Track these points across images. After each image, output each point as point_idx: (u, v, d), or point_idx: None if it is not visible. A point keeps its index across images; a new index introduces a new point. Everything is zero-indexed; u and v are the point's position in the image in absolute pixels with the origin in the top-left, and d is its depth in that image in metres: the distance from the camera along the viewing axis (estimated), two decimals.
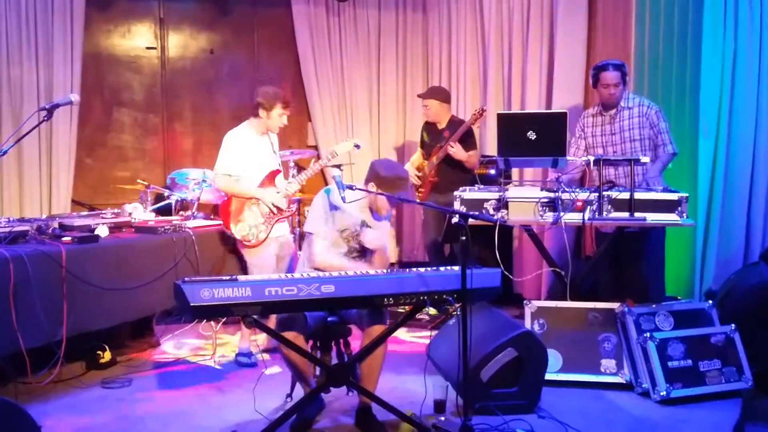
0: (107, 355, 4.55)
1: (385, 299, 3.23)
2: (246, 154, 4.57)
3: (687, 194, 4.11)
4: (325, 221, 3.77)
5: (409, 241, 7.15)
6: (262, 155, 4.66)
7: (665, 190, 4.29)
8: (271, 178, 4.67)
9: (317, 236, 3.76)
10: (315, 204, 3.84)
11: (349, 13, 7.07)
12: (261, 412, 3.60)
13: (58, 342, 3.77)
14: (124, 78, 6.78)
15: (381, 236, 3.89)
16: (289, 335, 3.42)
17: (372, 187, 3.69)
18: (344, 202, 3.57)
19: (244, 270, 4.70)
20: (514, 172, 6.11)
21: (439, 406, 3.75)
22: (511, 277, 4.75)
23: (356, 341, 3.69)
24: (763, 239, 5.05)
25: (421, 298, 3.30)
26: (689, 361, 3.96)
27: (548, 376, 3.93)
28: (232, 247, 4.79)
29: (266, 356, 4.64)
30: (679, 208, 4.08)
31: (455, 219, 3.91)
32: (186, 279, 3.00)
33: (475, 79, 6.74)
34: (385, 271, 3.54)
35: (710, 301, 4.29)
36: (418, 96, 5.97)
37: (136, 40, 6.78)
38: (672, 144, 4.76)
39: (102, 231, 4.21)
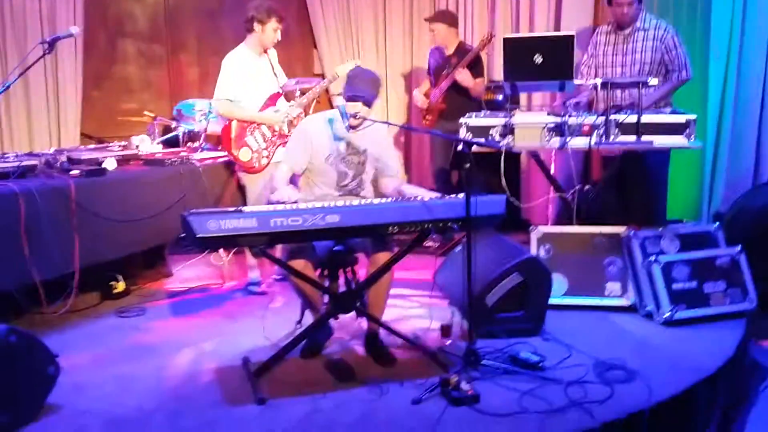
0: (121, 286, 4.65)
1: (390, 228, 3.25)
2: (245, 77, 4.53)
3: (695, 116, 4.07)
4: (303, 150, 3.75)
5: (418, 169, 7.14)
6: (261, 77, 4.62)
7: (673, 112, 4.24)
8: (272, 101, 4.63)
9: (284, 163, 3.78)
10: (299, 130, 3.83)
11: None
12: (271, 338, 3.69)
13: (71, 273, 3.84)
14: (127, 7, 6.68)
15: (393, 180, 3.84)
16: (299, 263, 3.47)
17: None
18: (348, 131, 3.56)
19: (244, 197, 4.72)
20: (522, 98, 6.04)
21: (446, 331, 3.83)
22: (517, 203, 4.76)
23: (364, 269, 3.73)
24: None
25: (426, 226, 3.32)
26: (694, 283, 3.99)
27: (553, 300, 3.98)
28: (233, 173, 4.78)
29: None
30: (687, 131, 4.04)
31: (460, 146, 3.89)
32: (193, 211, 3.03)
33: (482, 0, 6.60)
34: (390, 199, 3.54)
35: (717, 224, 4.29)
36: (425, 20, 5.86)
37: None
38: (688, 69, 4.64)
39: (110, 164, 4.24)
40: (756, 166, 5.08)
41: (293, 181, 3.89)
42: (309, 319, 3.77)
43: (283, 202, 3.31)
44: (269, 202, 3.36)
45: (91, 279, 4.35)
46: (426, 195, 3.50)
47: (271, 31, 4.53)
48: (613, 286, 4.17)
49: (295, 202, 3.35)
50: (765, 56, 4.90)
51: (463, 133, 4.27)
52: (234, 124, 4.57)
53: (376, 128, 3.79)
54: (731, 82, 4.93)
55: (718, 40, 4.89)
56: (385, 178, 3.90)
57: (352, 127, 3.70)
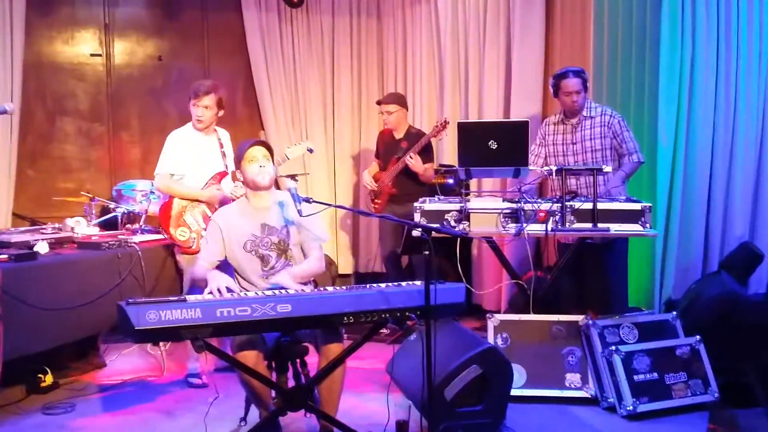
0: (49, 378, 4.30)
1: (345, 318, 3.08)
2: (188, 153, 4.38)
3: (650, 204, 4.05)
4: (217, 243, 3.57)
5: (366, 252, 7.00)
6: (206, 155, 4.46)
7: (628, 200, 4.22)
8: (216, 180, 4.47)
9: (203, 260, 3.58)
10: (211, 223, 3.66)
11: (302, 19, 6.90)
12: None
13: None
14: (68, 86, 6.51)
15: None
16: (251, 355, 3.22)
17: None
18: (301, 215, 3.39)
19: (180, 278, 4.48)
20: (473, 182, 5.99)
21: (402, 427, 3.60)
22: (473, 290, 4.63)
23: (314, 358, 3.51)
24: (721, 247, 5.02)
25: (383, 315, 3.15)
26: (655, 374, 3.89)
27: (512, 392, 3.80)
28: (172, 255, 4.56)
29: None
30: (643, 218, 4.01)
31: (416, 232, 3.78)
32: (130, 300, 2.80)
33: (431, 86, 6.62)
34: (344, 287, 3.37)
35: (674, 312, 4.23)
36: (377, 102, 5.82)
37: (80, 46, 6.53)
38: (638, 153, 4.69)
39: (41, 248, 3.96)
40: (705, 252, 5.07)
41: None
42: (254, 414, 3.51)
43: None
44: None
45: (16, 371, 3.99)
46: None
47: (192, 108, 4.41)
48: (573, 377, 4.03)
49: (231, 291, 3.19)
50: (710, 143, 4.95)
51: (417, 218, 4.16)
52: (174, 202, 4.39)
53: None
54: (679, 169, 4.95)
55: (666, 126, 4.93)
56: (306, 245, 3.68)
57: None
